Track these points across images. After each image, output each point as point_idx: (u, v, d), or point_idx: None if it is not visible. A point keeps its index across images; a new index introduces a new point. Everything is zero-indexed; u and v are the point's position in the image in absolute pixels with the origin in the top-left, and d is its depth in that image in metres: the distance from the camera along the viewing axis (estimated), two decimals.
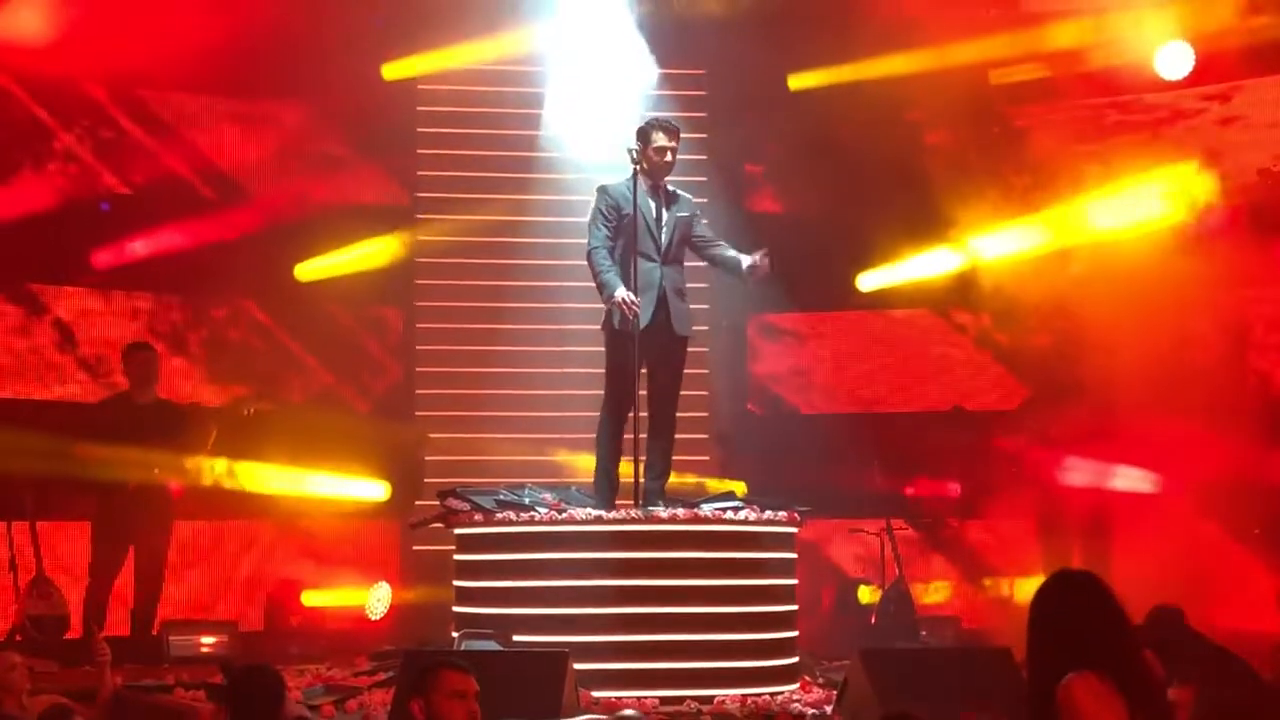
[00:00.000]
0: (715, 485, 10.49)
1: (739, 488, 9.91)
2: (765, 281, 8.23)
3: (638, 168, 8.02)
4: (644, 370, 8.06)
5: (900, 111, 11.32)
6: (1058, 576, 4.03)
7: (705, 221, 8.36)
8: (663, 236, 8.03)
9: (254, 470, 10.25)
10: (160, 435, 9.36)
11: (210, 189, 11.04)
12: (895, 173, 11.19)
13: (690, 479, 10.59)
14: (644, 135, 8.10)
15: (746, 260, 8.06)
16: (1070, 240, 10.49)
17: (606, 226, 8.01)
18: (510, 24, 10.98)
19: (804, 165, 11.50)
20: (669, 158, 8.06)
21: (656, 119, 8.23)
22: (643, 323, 7.91)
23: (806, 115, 11.23)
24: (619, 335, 7.99)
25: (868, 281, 11.33)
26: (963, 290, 11.10)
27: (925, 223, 10.79)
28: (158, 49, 10.20)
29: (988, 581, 10.86)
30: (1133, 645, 3.89)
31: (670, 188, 8.16)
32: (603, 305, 8.07)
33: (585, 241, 8.10)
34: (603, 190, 8.11)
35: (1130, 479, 9.60)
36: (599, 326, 8.14)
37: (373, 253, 11.07)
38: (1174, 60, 10.63)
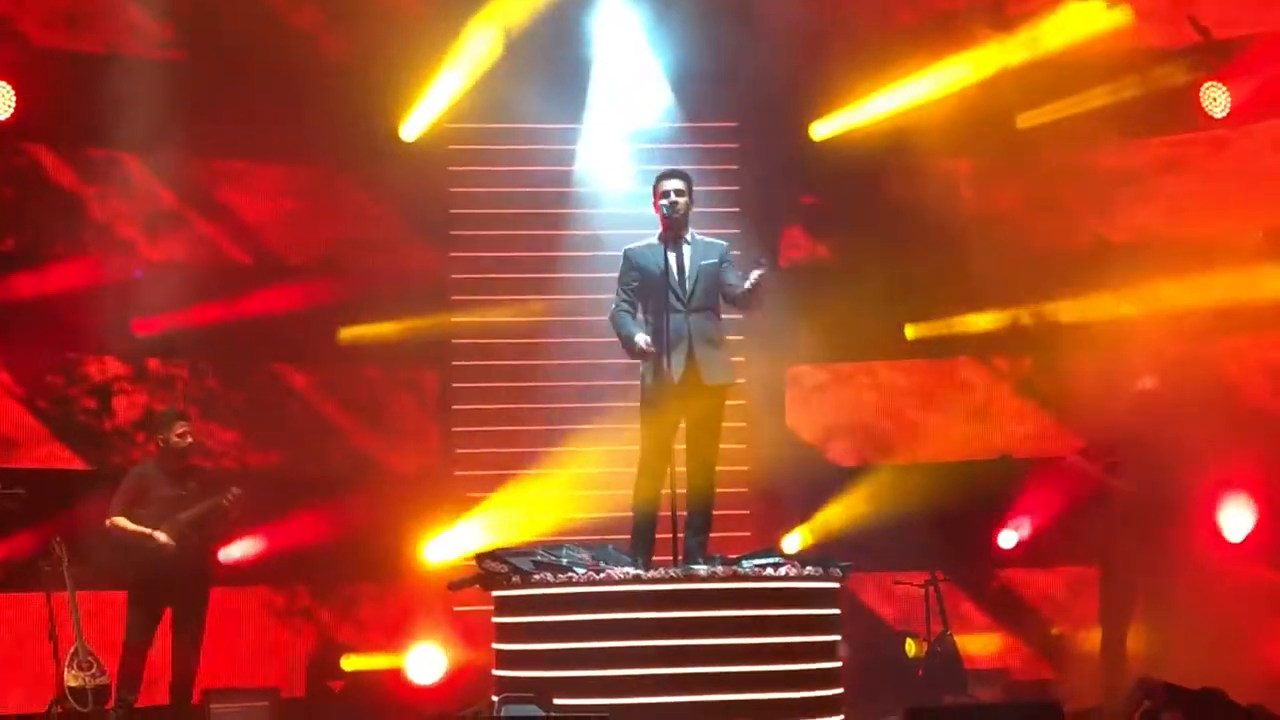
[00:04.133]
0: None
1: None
2: (765, 291, 7.93)
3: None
4: (682, 425, 7.94)
5: (934, 159, 11.26)
6: None
7: (737, 272, 8.20)
8: (685, 286, 7.94)
9: None
10: (193, 502, 9.34)
11: (244, 254, 11.08)
12: (932, 220, 11.13)
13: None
14: (653, 189, 8.07)
15: (748, 282, 7.88)
16: (1122, 298, 10.35)
17: (626, 290, 8.00)
18: (540, 79, 11.01)
19: (838, 215, 11.47)
20: (674, 199, 7.95)
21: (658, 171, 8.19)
22: (674, 378, 7.83)
23: (841, 165, 11.19)
24: (650, 391, 7.91)
25: (911, 330, 11.24)
26: (1005, 337, 10.98)
27: (964, 270, 10.70)
28: (189, 116, 10.25)
29: (1055, 630, 10.68)
30: None
31: (697, 237, 8.07)
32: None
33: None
34: (624, 254, 8.08)
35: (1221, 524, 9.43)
36: (637, 383, 8.05)
37: (416, 323, 11.07)
38: (1217, 98, 10.48)
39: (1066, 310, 10.64)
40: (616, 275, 8.06)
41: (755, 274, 7.84)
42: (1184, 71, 10.49)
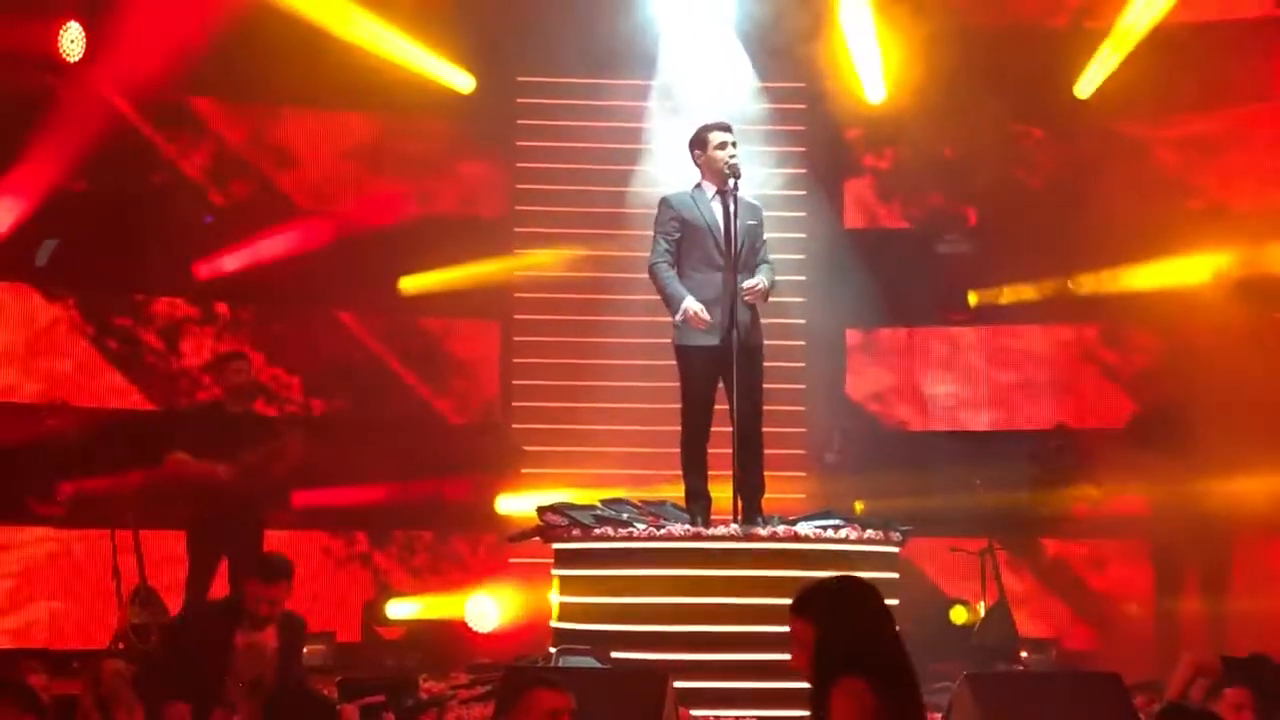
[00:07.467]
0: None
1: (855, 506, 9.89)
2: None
3: (703, 176, 7.92)
4: (721, 386, 7.84)
5: (1002, 125, 11.17)
6: (846, 584, 4.44)
7: (765, 239, 8.07)
8: (733, 245, 7.78)
9: None
10: (250, 446, 9.42)
11: (309, 200, 11.12)
12: (997, 186, 11.06)
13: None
14: (700, 142, 7.93)
15: (748, 282, 7.81)
16: (1189, 266, 10.24)
17: (668, 240, 7.84)
18: (610, 37, 10.98)
19: (904, 179, 11.41)
20: (731, 152, 7.84)
21: (704, 123, 8.03)
22: (716, 338, 7.72)
23: (907, 129, 11.12)
24: (688, 351, 7.83)
25: (974, 296, 11.19)
26: (1069, 305, 10.91)
27: (1030, 236, 10.63)
28: (259, 64, 10.28)
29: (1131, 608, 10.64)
30: (902, 655, 4.24)
31: (739, 194, 7.89)
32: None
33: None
34: (664, 202, 7.93)
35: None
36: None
37: (476, 271, 11.09)
38: None
39: (1132, 278, 10.55)
40: (655, 221, 7.89)
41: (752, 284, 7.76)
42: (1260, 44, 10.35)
